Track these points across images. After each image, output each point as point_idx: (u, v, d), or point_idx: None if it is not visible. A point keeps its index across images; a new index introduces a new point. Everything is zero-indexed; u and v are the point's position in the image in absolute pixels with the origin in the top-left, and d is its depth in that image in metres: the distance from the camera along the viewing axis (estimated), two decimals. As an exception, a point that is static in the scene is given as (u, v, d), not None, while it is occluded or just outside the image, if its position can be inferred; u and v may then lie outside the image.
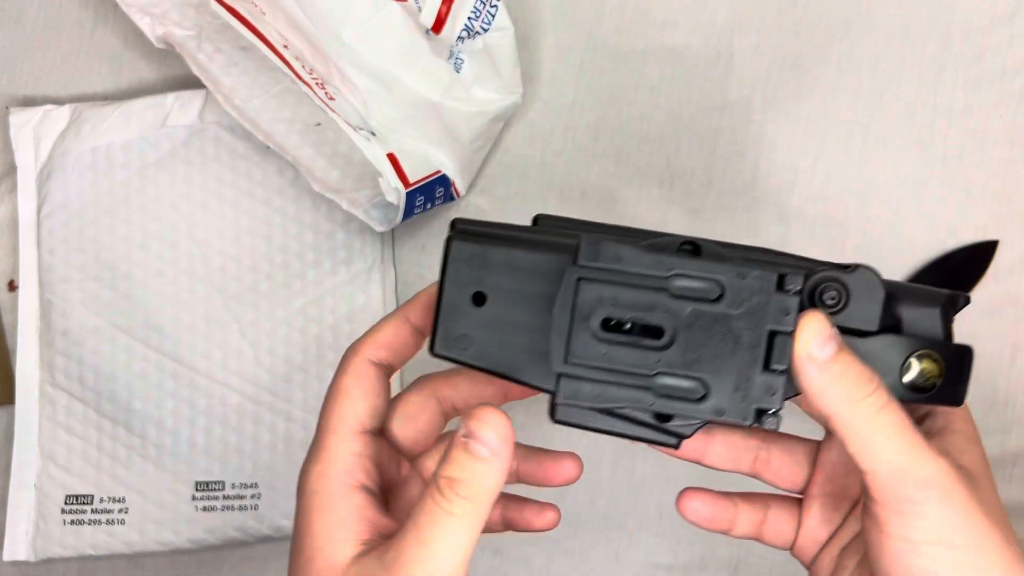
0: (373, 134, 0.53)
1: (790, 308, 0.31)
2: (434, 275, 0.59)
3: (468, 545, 0.31)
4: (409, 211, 0.54)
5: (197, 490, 0.57)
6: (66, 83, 0.63)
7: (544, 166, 0.59)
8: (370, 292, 0.58)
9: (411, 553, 0.31)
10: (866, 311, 0.33)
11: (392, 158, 0.53)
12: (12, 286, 0.61)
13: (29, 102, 0.62)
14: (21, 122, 0.60)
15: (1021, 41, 0.57)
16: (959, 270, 0.56)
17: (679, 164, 0.59)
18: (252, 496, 0.56)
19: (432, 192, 0.55)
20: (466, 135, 0.56)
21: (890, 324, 0.33)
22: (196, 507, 0.56)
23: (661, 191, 0.58)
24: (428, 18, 0.54)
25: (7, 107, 0.62)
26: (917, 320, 0.33)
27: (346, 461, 0.35)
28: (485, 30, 0.54)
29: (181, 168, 0.59)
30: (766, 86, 0.58)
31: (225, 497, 0.56)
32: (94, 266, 0.58)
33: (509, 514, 0.41)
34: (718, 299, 0.32)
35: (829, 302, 0.32)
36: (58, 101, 0.61)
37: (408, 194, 0.53)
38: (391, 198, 0.53)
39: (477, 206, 0.59)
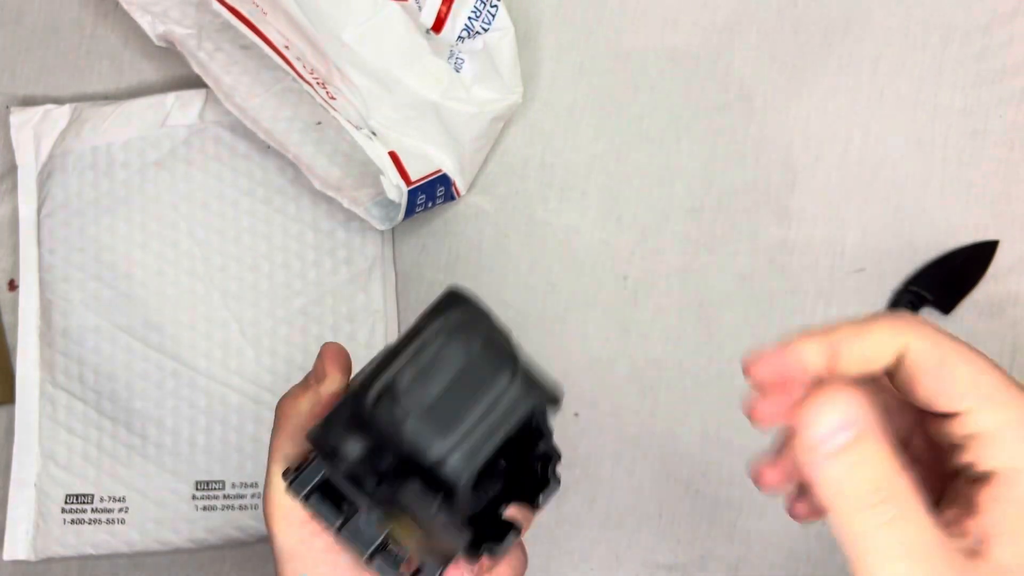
0: (374, 133, 0.53)
1: None
2: (434, 274, 0.60)
3: None
4: (410, 210, 0.54)
5: (197, 489, 0.57)
6: (66, 82, 0.63)
7: (544, 166, 0.59)
8: (371, 291, 0.58)
9: None
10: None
11: (394, 156, 0.53)
12: (12, 285, 0.61)
13: (29, 101, 0.62)
14: (21, 121, 0.60)
15: (1021, 41, 0.57)
16: (959, 270, 0.56)
17: (679, 164, 0.59)
18: (252, 495, 0.56)
19: (433, 191, 0.55)
20: (466, 135, 0.56)
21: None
22: (196, 506, 0.56)
23: (661, 191, 0.58)
24: (428, 18, 0.54)
25: (7, 106, 0.62)
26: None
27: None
28: (485, 30, 0.54)
29: (181, 167, 0.58)
30: (766, 86, 0.58)
31: (225, 496, 0.56)
32: (94, 265, 0.58)
33: None
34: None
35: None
36: (59, 100, 0.61)
37: (410, 192, 0.53)
38: (393, 196, 0.53)
39: (478, 206, 0.59)
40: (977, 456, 0.30)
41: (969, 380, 0.31)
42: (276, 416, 0.40)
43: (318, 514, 0.35)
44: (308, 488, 0.35)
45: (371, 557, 0.35)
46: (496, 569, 0.37)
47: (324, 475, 0.35)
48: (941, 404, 0.31)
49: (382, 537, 0.35)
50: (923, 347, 0.31)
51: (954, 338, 0.32)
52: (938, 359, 0.31)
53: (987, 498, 0.30)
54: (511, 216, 0.59)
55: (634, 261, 0.58)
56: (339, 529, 0.35)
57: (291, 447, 0.38)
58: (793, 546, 0.55)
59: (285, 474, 0.36)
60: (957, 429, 0.31)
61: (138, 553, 0.57)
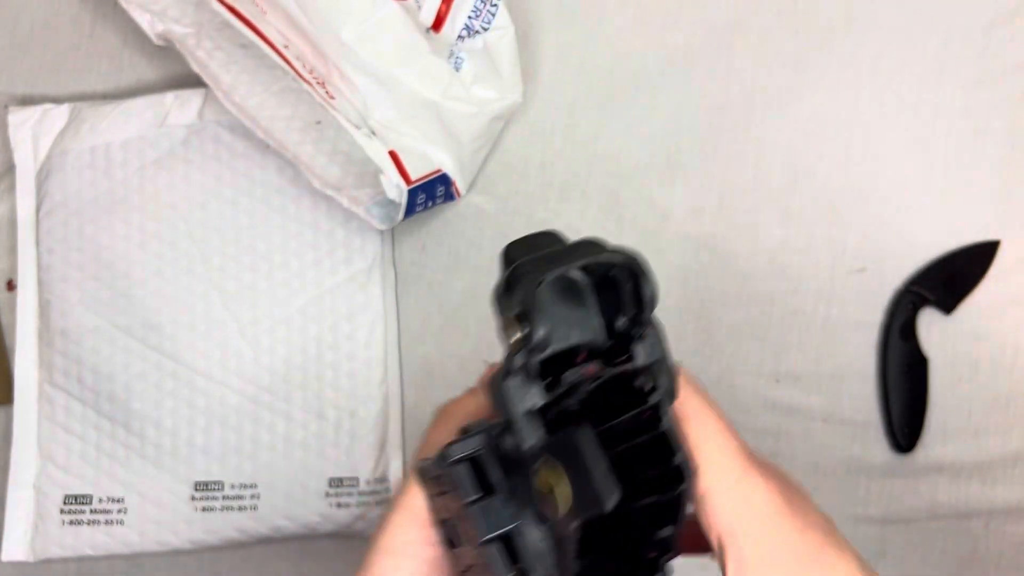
0: (373, 133, 0.53)
1: None
2: (433, 274, 0.59)
3: None
4: (410, 209, 0.54)
5: (196, 490, 0.56)
6: (65, 82, 0.62)
7: (544, 165, 0.59)
8: (370, 291, 0.58)
9: None
10: None
11: (393, 155, 0.53)
12: (11, 285, 0.61)
13: (28, 101, 0.62)
14: (20, 121, 0.60)
15: (1022, 41, 0.57)
16: (960, 270, 0.56)
17: (680, 164, 0.58)
18: (251, 496, 0.56)
19: (433, 190, 0.55)
20: (466, 134, 0.56)
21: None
22: (195, 507, 0.56)
23: (662, 191, 0.58)
24: (428, 17, 0.54)
25: (6, 106, 0.61)
26: None
27: None
28: (485, 29, 0.54)
29: (180, 167, 0.58)
30: (767, 85, 0.58)
31: (224, 497, 0.56)
32: (93, 265, 0.58)
33: None
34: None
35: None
36: (57, 100, 0.61)
37: (410, 191, 0.53)
38: (392, 195, 0.52)
39: (477, 205, 0.59)
40: (704, 520, 0.32)
41: (694, 441, 0.32)
42: (437, 415, 0.39)
43: (458, 482, 0.33)
44: (458, 456, 0.33)
45: (489, 541, 0.33)
46: None
47: (479, 450, 0.34)
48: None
49: (508, 528, 0.33)
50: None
51: (699, 394, 0.33)
52: (681, 416, 0.32)
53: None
54: (511, 216, 0.59)
55: (634, 261, 0.58)
56: (472, 503, 0.33)
57: (448, 439, 0.37)
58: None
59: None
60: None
61: (137, 554, 0.57)
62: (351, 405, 0.57)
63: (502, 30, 0.54)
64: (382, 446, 0.57)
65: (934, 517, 0.56)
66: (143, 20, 0.56)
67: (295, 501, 0.56)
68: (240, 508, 0.56)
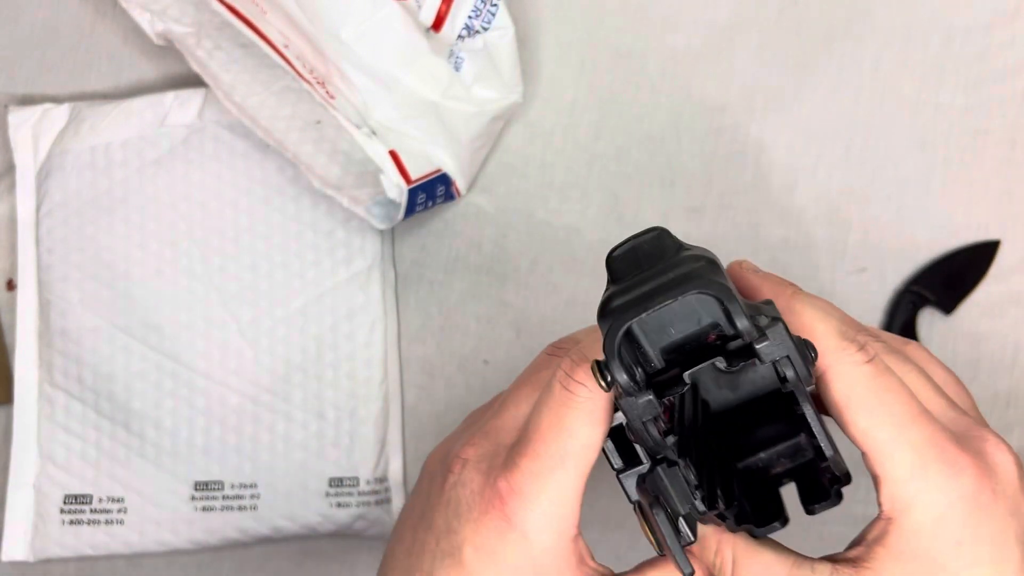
0: (374, 132, 0.53)
1: None
2: (433, 273, 0.59)
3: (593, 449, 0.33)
4: (411, 209, 0.54)
5: (196, 490, 0.56)
6: (65, 81, 0.62)
7: (545, 165, 0.59)
8: (370, 291, 0.58)
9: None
10: None
11: (394, 155, 0.53)
12: (11, 285, 0.61)
13: (28, 101, 0.62)
14: (20, 121, 0.60)
15: (1022, 41, 0.57)
16: (961, 270, 0.56)
17: (680, 163, 0.58)
18: (251, 496, 0.56)
19: (433, 190, 0.55)
20: (466, 134, 0.55)
21: None
22: (195, 507, 0.56)
23: (662, 190, 0.58)
24: (427, 16, 0.54)
25: (6, 106, 0.61)
26: None
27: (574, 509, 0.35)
28: (485, 29, 0.54)
29: (180, 167, 0.58)
30: (767, 85, 0.58)
31: (224, 497, 0.56)
32: (93, 265, 0.58)
33: None
34: None
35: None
36: (57, 99, 0.61)
37: (410, 191, 0.53)
38: (393, 195, 0.52)
39: (478, 205, 0.59)
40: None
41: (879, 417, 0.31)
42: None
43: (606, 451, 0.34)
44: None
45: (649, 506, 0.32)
46: None
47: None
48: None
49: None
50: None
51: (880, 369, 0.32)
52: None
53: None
54: (511, 216, 0.59)
55: (634, 261, 0.58)
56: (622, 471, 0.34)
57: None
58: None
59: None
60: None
61: (137, 554, 0.57)
62: (351, 405, 0.57)
63: (502, 30, 0.54)
64: (382, 446, 0.57)
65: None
66: (143, 20, 0.56)
67: (295, 501, 0.56)
68: (240, 508, 0.56)
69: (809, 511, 0.34)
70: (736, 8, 0.59)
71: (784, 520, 0.34)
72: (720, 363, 0.29)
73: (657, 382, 0.30)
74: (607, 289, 0.31)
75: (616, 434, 0.34)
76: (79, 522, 0.57)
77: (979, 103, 0.57)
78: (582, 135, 0.59)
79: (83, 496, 0.57)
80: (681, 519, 0.31)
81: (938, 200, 0.57)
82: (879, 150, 0.57)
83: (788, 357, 0.29)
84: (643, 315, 0.29)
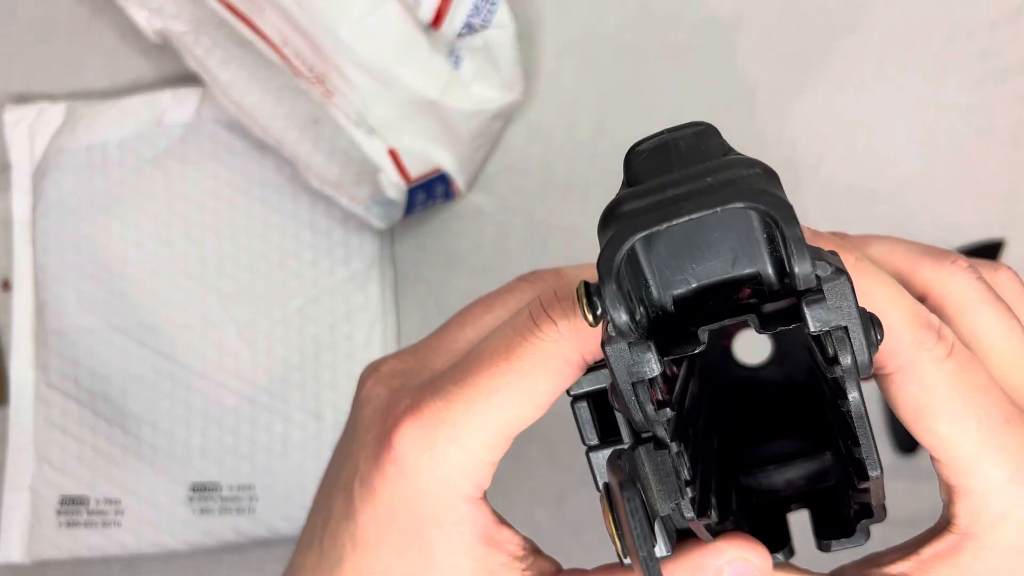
0: (372, 131, 0.53)
1: None
2: (433, 273, 0.59)
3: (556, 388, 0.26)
4: (410, 208, 0.54)
5: (193, 492, 0.56)
6: (61, 79, 0.62)
7: (545, 164, 0.59)
8: (369, 291, 0.57)
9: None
10: None
11: (393, 154, 0.52)
12: (6, 285, 0.60)
13: (24, 99, 0.62)
14: (16, 120, 0.60)
15: (1027, 39, 0.57)
16: (964, 270, 0.56)
17: (681, 162, 0.58)
18: (249, 498, 0.56)
19: (433, 190, 0.54)
20: (466, 133, 0.55)
21: None
22: (192, 509, 0.56)
23: (663, 190, 0.58)
24: (427, 14, 0.54)
25: (1, 104, 0.61)
26: None
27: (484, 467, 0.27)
28: (485, 27, 0.54)
29: (177, 166, 0.58)
30: (769, 84, 0.58)
31: (221, 499, 0.56)
32: (89, 265, 0.58)
33: None
34: None
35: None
36: (53, 98, 0.61)
37: (410, 191, 0.52)
38: (392, 194, 0.52)
39: (477, 204, 0.59)
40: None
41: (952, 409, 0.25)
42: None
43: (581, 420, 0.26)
44: (581, 392, 0.26)
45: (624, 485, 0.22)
46: None
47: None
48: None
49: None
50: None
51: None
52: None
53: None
54: (511, 215, 0.59)
55: (635, 261, 0.58)
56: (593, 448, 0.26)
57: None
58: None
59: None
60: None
61: (133, 556, 0.57)
62: (349, 406, 0.57)
63: (502, 28, 0.54)
64: (381, 447, 0.57)
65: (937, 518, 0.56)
66: (140, 17, 0.56)
67: (293, 503, 0.56)
68: (238, 510, 0.56)
69: (823, 547, 0.27)
70: (739, 5, 0.59)
71: (789, 552, 0.28)
72: (753, 322, 0.21)
73: (662, 333, 0.22)
74: (619, 192, 0.23)
75: (596, 401, 0.26)
76: (75, 524, 0.56)
77: (982, 102, 0.57)
78: (583, 134, 0.59)
79: (79, 498, 0.57)
80: (658, 521, 0.24)
81: (942, 199, 0.56)
82: (882, 148, 0.57)
83: (846, 329, 0.21)
84: (662, 226, 0.20)
